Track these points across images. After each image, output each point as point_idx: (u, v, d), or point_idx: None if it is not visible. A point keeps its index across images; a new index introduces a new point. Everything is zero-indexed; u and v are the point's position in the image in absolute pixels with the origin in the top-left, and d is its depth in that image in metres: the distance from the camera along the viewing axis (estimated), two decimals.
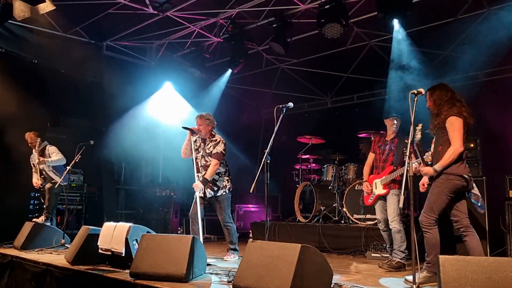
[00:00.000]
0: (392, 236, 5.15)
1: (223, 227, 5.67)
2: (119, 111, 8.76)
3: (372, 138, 5.97)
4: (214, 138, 5.61)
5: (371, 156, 5.45)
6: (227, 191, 5.61)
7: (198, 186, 5.39)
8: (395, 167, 5.10)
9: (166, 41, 8.91)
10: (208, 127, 5.61)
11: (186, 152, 5.64)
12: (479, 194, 4.44)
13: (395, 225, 5.00)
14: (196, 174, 5.53)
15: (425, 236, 4.04)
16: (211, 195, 5.55)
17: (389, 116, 5.29)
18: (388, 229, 5.20)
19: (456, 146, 3.88)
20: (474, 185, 4.22)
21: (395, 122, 5.28)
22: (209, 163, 5.49)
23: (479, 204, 4.47)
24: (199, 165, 5.57)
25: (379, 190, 5.22)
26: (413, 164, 3.88)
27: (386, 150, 5.28)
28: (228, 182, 5.65)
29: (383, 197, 5.22)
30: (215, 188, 5.53)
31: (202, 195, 5.51)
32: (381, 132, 5.72)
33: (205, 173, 5.44)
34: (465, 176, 3.96)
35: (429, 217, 3.99)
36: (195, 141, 5.65)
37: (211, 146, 5.53)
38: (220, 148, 5.50)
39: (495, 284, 2.74)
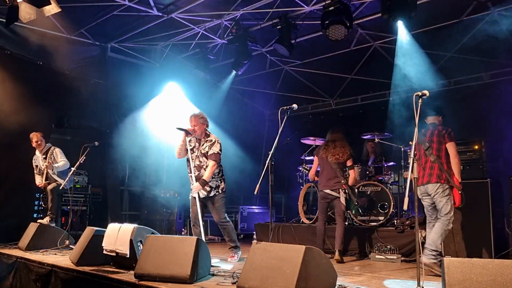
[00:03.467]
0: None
1: (220, 228, 5.58)
2: (124, 112, 8.80)
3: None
4: (209, 138, 5.52)
5: None
6: (220, 191, 5.50)
7: (197, 188, 5.31)
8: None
9: (171, 42, 8.94)
10: (203, 126, 5.51)
11: (180, 152, 5.53)
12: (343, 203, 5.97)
13: None
14: (189, 175, 5.44)
15: None
16: (204, 196, 5.44)
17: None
18: None
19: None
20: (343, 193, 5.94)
21: None
22: (203, 164, 5.40)
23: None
24: (192, 166, 5.45)
25: None
26: None
27: None
28: (221, 182, 5.56)
29: None
30: (208, 189, 5.41)
31: (196, 196, 5.39)
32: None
33: (198, 174, 5.37)
34: (320, 190, 6.14)
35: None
36: (190, 141, 5.54)
37: (206, 147, 5.45)
38: (216, 148, 5.42)
39: (499, 287, 2.73)
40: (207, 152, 5.42)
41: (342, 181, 5.91)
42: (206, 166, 5.38)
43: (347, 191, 5.95)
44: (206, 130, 5.59)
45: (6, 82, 7.31)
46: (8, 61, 7.38)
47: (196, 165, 5.45)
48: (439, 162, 4.86)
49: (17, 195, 7.31)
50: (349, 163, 6.10)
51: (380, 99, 9.74)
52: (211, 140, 5.48)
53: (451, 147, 4.93)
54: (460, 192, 4.81)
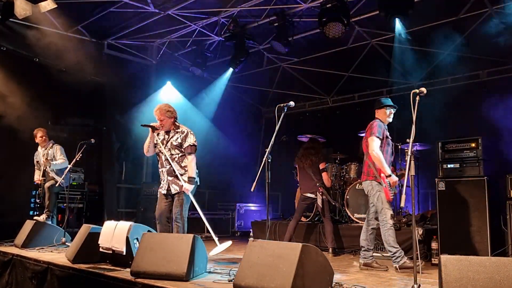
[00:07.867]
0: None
1: (172, 223, 5.00)
2: (120, 109, 8.77)
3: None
4: (179, 130, 5.08)
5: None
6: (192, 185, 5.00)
7: (189, 189, 4.91)
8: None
9: (167, 39, 8.91)
10: (170, 119, 5.05)
11: (149, 149, 5.13)
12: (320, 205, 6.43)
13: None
14: (160, 170, 5.13)
15: None
16: (176, 191, 4.98)
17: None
18: None
19: None
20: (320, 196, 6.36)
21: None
22: (174, 156, 5.01)
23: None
24: (163, 160, 5.07)
25: None
26: None
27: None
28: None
29: None
30: (180, 183, 4.96)
31: (165, 192, 5.03)
32: None
33: (169, 168, 5.00)
34: (302, 194, 6.61)
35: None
36: (158, 134, 5.15)
37: (178, 138, 5.04)
38: (191, 140, 5.04)
39: (496, 284, 2.74)
40: (180, 143, 5.02)
41: (317, 183, 6.41)
42: (178, 159, 5.01)
43: (323, 193, 6.43)
44: (175, 121, 5.13)
45: (2, 79, 7.27)
46: (3, 58, 7.36)
47: (166, 159, 5.03)
48: (367, 159, 4.81)
49: (13, 192, 7.29)
50: (321, 166, 6.56)
51: (377, 97, 9.72)
52: (183, 132, 5.06)
53: (369, 142, 4.76)
54: (383, 186, 4.64)
